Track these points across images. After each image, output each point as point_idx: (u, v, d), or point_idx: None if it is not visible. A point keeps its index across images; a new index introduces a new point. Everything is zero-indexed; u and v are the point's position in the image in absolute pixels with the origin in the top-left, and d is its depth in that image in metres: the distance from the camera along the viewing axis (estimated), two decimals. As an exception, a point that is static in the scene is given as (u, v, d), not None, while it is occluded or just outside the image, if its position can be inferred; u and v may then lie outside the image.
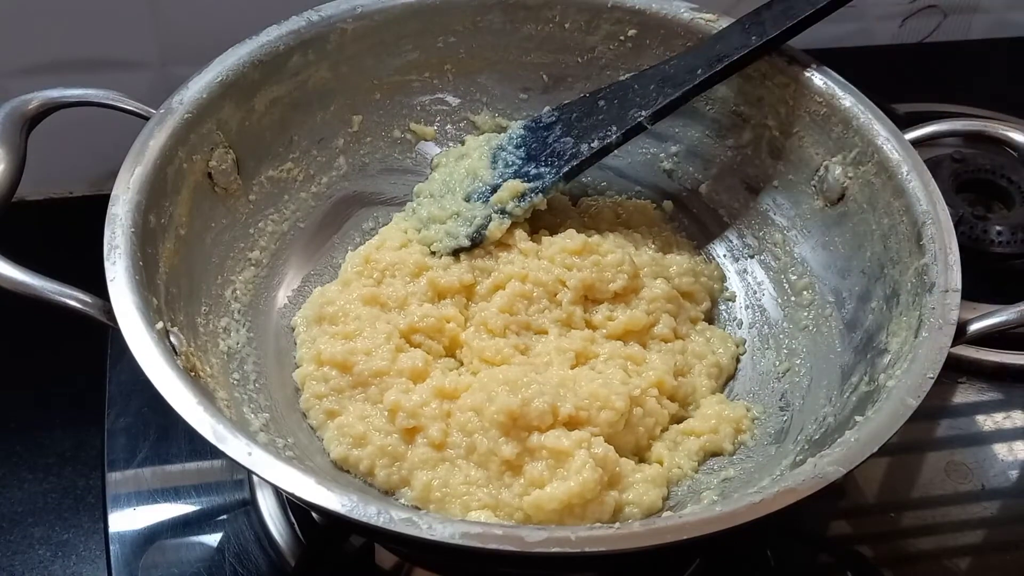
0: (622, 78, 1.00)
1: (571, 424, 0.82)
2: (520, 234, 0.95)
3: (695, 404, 0.90)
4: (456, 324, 0.90)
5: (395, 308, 0.91)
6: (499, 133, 1.04)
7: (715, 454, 0.87)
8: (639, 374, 0.87)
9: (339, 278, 0.96)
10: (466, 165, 1.00)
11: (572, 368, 0.87)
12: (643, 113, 0.94)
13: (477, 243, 0.95)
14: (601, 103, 0.97)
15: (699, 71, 0.93)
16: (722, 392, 0.92)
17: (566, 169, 0.95)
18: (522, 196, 0.96)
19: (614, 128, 0.95)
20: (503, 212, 0.95)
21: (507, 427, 0.81)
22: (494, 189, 0.97)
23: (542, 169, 0.96)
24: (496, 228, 0.94)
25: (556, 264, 0.92)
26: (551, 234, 0.98)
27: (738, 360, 0.94)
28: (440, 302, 0.92)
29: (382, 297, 0.92)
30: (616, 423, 0.82)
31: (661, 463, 0.84)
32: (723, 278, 1.00)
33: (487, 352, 0.87)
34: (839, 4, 0.92)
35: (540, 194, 0.95)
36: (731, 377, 0.93)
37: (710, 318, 0.98)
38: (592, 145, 0.95)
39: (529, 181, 0.96)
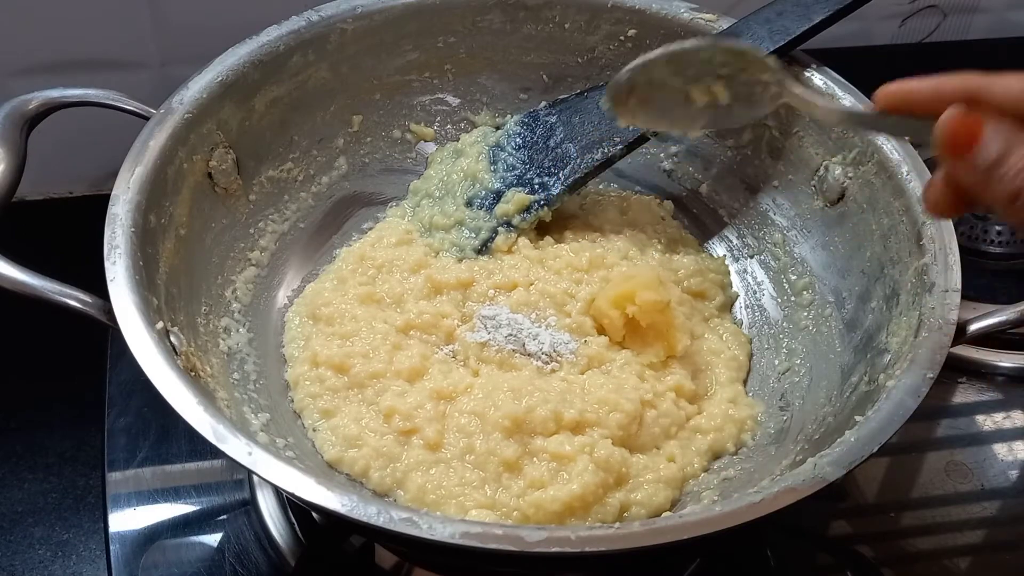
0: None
1: (577, 428, 0.82)
2: (524, 242, 0.96)
3: (712, 400, 0.90)
4: (451, 320, 0.90)
5: (392, 304, 0.92)
6: (495, 127, 1.04)
7: (719, 454, 0.87)
8: (657, 379, 0.87)
9: (332, 275, 0.96)
10: (464, 165, 1.00)
11: (583, 372, 0.87)
12: None
13: (483, 255, 0.95)
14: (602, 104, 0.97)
15: None
16: (743, 386, 0.92)
17: (570, 182, 0.96)
18: (527, 208, 0.96)
19: (617, 139, 0.95)
20: (509, 225, 0.96)
21: (510, 431, 0.81)
22: (496, 195, 0.97)
23: (545, 179, 0.97)
24: (503, 242, 0.95)
25: (563, 278, 0.92)
26: (555, 232, 0.98)
27: (751, 356, 0.95)
28: (436, 298, 0.92)
29: (378, 294, 0.92)
30: (627, 426, 0.83)
31: (673, 460, 0.84)
32: (728, 271, 1.00)
33: (484, 353, 0.87)
34: (857, 5, 0.93)
35: (545, 207, 0.96)
36: (749, 372, 0.93)
37: (727, 307, 0.98)
38: (596, 157, 0.96)
39: (533, 192, 0.96)
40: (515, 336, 0.88)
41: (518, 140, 1.00)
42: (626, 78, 0.81)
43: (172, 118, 0.86)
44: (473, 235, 0.96)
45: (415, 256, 0.95)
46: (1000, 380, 1.03)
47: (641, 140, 0.95)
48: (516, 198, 0.96)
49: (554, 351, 0.88)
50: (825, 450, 0.70)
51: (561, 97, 1.02)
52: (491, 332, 0.88)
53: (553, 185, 0.96)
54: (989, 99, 0.62)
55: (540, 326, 0.89)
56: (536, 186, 0.97)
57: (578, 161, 0.96)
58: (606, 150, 0.95)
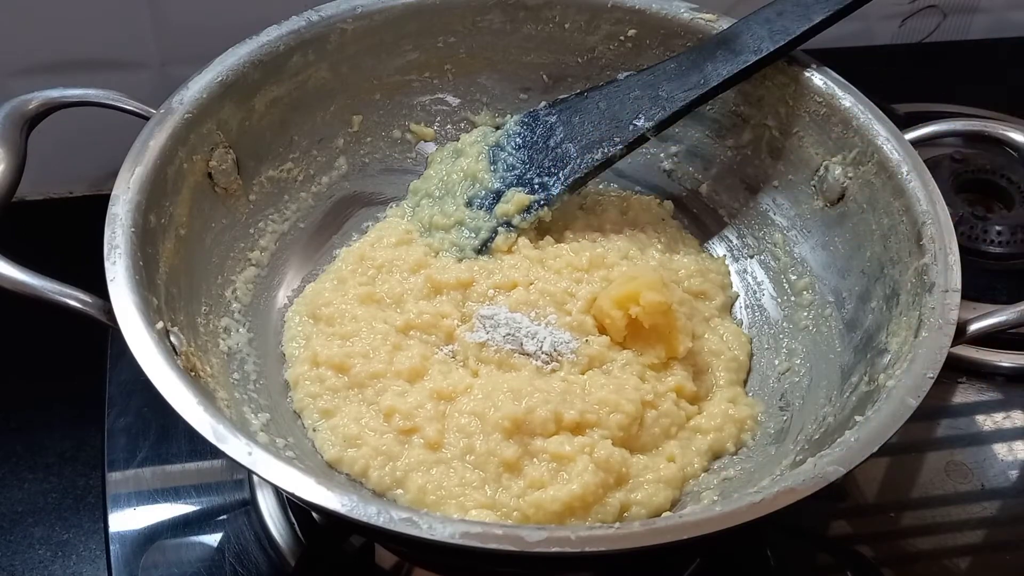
0: (621, 76, 1.00)
1: (578, 429, 0.82)
2: (523, 241, 0.96)
3: (712, 400, 0.90)
4: (451, 320, 0.90)
5: (392, 304, 0.91)
6: (495, 127, 1.04)
7: (719, 454, 0.87)
8: (658, 379, 0.87)
9: (332, 275, 0.96)
10: (464, 165, 1.00)
11: (583, 372, 0.87)
12: (647, 124, 0.94)
13: (483, 255, 0.95)
14: (602, 105, 0.97)
15: (702, 81, 0.93)
16: (743, 387, 0.92)
17: (570, 182, 0.96)
18: (527, 208, 0.96)
19: (617, 140, 0.95)
20: (509, 225, 0.96)
21: (510, 432, 0.81)
22: (496, 195, 0.97)
23: (545, 179, 0.97)
24: (503, 242, 0.95)
25: (563, 277, 0.92)
26: (556, 232, 0.98)
27: (751, 356, 0.95)
28: (436, 298, 0.92)
29: (378, 294, 0.92)
30: (628, 426, 0.83)
31: (673, 460, 0.84)
32: (728, 271, 1.00)
33: (483, 353, 0.87)
34: (857, 5, 0.93)
35: (545, 207, 0.96)
36: (749, 372, 0.93)
37: (727, 307, 0.98)
38: (596, 157, 0.96)
39: (533, 192, 0.96)
40: (513, 335, 0.88)
41: (518, 140, 1.00)
42: None
43: (172, 118, 0.86)
44: (473, 235, 0.96)
45: (415, 256, 0.95)
46: (1000, 380, 1.03)
47: (641, 140, 0.95)
48: (516, 198, 0.96)
49: (554, 350, 0.87)
50: (825, 450, 0.70)
51: (561, 97, 1.02)
52: (489, 332, 0.88)
53: (553, 185, 0.96)
54: None
55: (540, 324, 0.89)
56: (536, 186, 0.97)
57: (578, 161, 0.96)
58: (606, 150, 0.95)
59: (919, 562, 0.91)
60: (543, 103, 1.02)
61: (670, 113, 0.94)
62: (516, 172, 0.98)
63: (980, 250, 1.10)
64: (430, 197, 1.01)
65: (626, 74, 1.00)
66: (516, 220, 0.96)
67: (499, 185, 0.98)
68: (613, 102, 0.97)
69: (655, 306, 0.86)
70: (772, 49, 0.92)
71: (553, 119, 1.00)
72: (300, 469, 0.65)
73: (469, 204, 0.98)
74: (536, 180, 0.97)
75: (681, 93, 0.94)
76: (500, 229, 0.96)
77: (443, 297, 0.92)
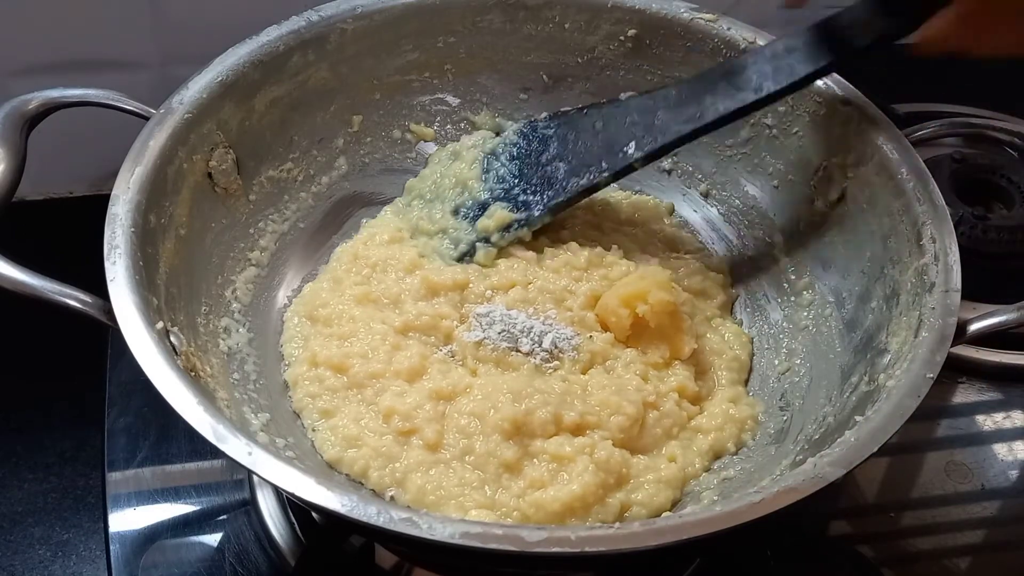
0: (622, 97, 0.99)
1: (578, 430, 0.82)
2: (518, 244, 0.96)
3: (713, 400, 0.90)
4: (450, 321, 0.90)
5: (389, 304, 0.91)
6: (496, 132, 1.04)
7: (719, 454, 0.87)
8: (660, 379, 0.87)
9: (328, 274, 0.96)
10: (457, 170, 1.00)
11: (584, 371, 0.87)
12: (636, 154, 0.92)
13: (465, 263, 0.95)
14: (598, 125, 0.96)
15: (698, 115, 0.90)
16: (744, 386, 0.92)
17: (552, 205, 0.95)
18: (507, 227, 0.95)
19: (605, 166, 0.94)
20: (487, 241, 0.95)
21: (509, 433, 0.81)
22: (482, 207, 0.97)
23: (530, 197, 0.96)
24: (483, 257, 0.95)
25: (562, 276, 0.92)
26: (554, 231, 0.98)
27: (752, 356, 0.94)
28: (434, 299, 0.92)
29: (375, 295, 0.92)
30: (629, 428, 0.83)
31: (674, 460, 0.84)
32: (728, 271, 1.00)
33: (480, 352, 0.87)
34: (868, 51, 0.89)
35: (525, 227, 0.96)
36: (749, 371, 0.93)
37: (727, 306, 0.98)
38: (581, 182, 0.95)
39: (516, 209, 0.96)
40: (508, 332, 0.87)
41: (513, 151, 0.99)
42: None
43: (172, 118, 0.86)
44: (452, 246, 0.96)
45: (409, 256, 0.95)
46: (1000, 380, 1.03)
47: (629, 169, 0.94)
48: (498, 214, 0.96)
49: (555, 347, 0.87)
50: (825, 450, 0.70)
51: (563, 109, 1.01)
52: (485, 330, 0.88)
53: (535, 206, 0.96)
54: None
55: (538, 319, 0.89)
56: (520, 203, 0.96)
57: (563, 183, 0.95)
58: (592, 176, 0.94)
59: (919, 562, 0.91)
60: (544, 114, 1.02)
61: (660, 146, 0.92)
62: (504, 185, 0.98)
63: (980, 250, 1.10)
64: (421, 198, 1.01)
65: (628, 94, 0.99)
66: (495, 238, 0.95)
67: (486, 196, 0.98)
68: (610, 124, 0.95)
69: (664, 305, 0.86)
70: (772, 90, 0.88)
71: (550, 132, 0.99)
72: (300, 469, 0.65)
73: (456, 212, 0.98)
74: (521, 197, 0.97)
75: (675, 126, 0.91)
76: (479, 245, 0.96)
77: (441, 298, 0.92)
